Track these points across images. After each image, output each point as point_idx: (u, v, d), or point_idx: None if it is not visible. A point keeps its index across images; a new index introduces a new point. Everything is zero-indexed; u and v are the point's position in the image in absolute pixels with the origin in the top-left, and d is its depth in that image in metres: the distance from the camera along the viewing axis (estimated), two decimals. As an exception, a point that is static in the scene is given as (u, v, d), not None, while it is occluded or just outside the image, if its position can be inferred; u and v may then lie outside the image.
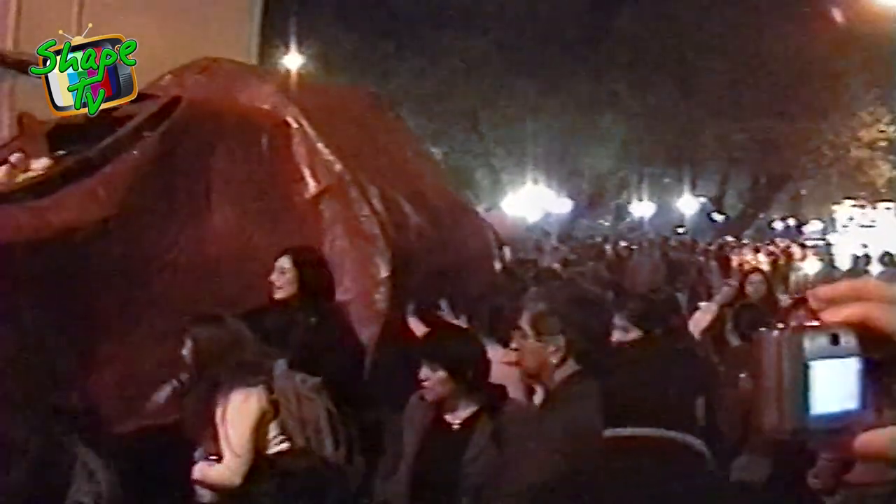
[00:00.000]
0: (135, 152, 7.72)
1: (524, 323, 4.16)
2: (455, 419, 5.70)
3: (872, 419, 1.35)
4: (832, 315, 1.36)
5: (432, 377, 5.60)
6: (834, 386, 1.33)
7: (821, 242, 39.99)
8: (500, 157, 47.34)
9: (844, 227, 39.61)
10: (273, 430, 6.24)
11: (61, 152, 8.25)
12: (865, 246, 33.12)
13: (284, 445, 6.25)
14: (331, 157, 8.60)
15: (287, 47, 34.37)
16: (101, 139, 7.74)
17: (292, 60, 34.93)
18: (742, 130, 42.84)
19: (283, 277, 7.48)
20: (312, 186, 8.59)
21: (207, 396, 6.10)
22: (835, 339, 1.34)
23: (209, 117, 8.13)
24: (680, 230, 48.76)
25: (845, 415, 1.34)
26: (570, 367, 4.04)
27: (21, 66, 8.37)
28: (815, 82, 40.48)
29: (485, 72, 43.66)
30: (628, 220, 53.90)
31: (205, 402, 6.09)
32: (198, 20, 19.93)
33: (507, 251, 13.75)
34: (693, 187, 51.15)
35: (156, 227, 7.60)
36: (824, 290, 1.38)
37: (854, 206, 40.24)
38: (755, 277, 12.24)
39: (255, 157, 8.48)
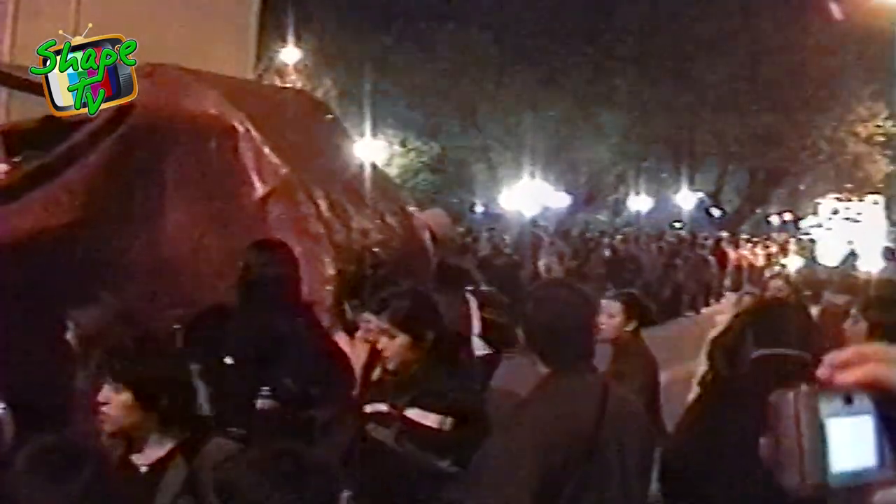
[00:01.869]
0: (93, 158, 8.01)
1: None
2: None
3: (891, 476, 1.40)
4: (843, 378, 1.42)
5: None
6: (851, 444, 1.38)
7: (804, 237, 39.70)
8: (498, 151, 47.32)
9: (829, 219, 39.28)
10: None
11: (17, 158, 8.44)
12: (851, 242, 32.87)
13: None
14: (276, 161, 8.75)
15: (285, 41, 34.40)
16: (58, 143, 8.03)
17: (290, 54, 34.95)
18: (740, 125, 42.89)
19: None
20: (260, 189, 8.73)
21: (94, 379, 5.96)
22: (848, 399, 1.40)
23: (162, 123, 8.33)
24: (677, 225, 48.76)
25: (864, 472, 1.39)
26: (540, 364, 4.10)
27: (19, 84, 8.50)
28: (812, 77, 40.57)
29: (483, 66, 43.67)
30: (626, 214, 53.86)
31: (92, 385, 5.97)
32: (196, 15, 19.95)
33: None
34: (691, 182, 51.13)
35: (114, 230, 7.91)
36: (831, 357, 1.44)
37: (839, 198, 40.04)
38: (777, 283, 11.97)
39: (205, 161, 8.68)
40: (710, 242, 35.52)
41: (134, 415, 4.56)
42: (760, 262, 35.93)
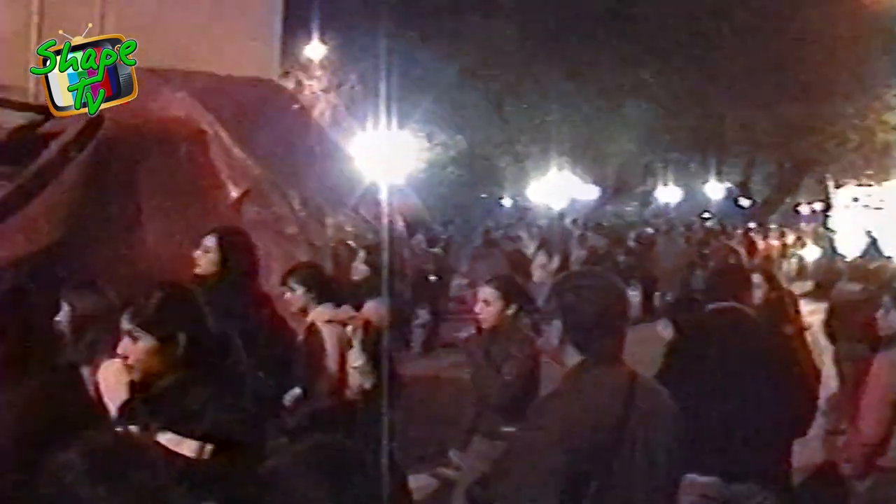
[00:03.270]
0: (68, 175, 8.08)
1: (543, 305, 4.16)
2: None
3: None
4: None
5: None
6: None
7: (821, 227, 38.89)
8: (525, 144, 47.28)
9: (846, 208, 38.49)
10: None
11: None
12: (870, 232, 32.13)
13: None
14: (248, 162, 8.89)
15: (310, 37, 34.41)
16: (29, 156, 8.15)
17: (315, 50, 34.97)
18: (767, 115, 42.63)
19: (205, 256, 7.65)
20: (233, 191, 8.87)
21: (83, 364, 5.97)
22: None
23: (132, 134, 8.35)
24: (706, 215, 48.58)
25: None
26: (571, 352, 4.03)
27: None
28: (839, 65, 40.23)
29: (508, 59, 43.58)
30: (654, 206, 53.74)
31: (79, 371, 5.96)
32: (219, 11, 19.96)
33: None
34: (719, 173, 50.98)
35: (94, 246, 7.87)
36: None
37: (859, 185, 39.23)
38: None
39: (177, 168, 8.77)
40: (739, 232, 35.36)
41: (154, 358, 4.69)
42: (775, 253, 35.43)
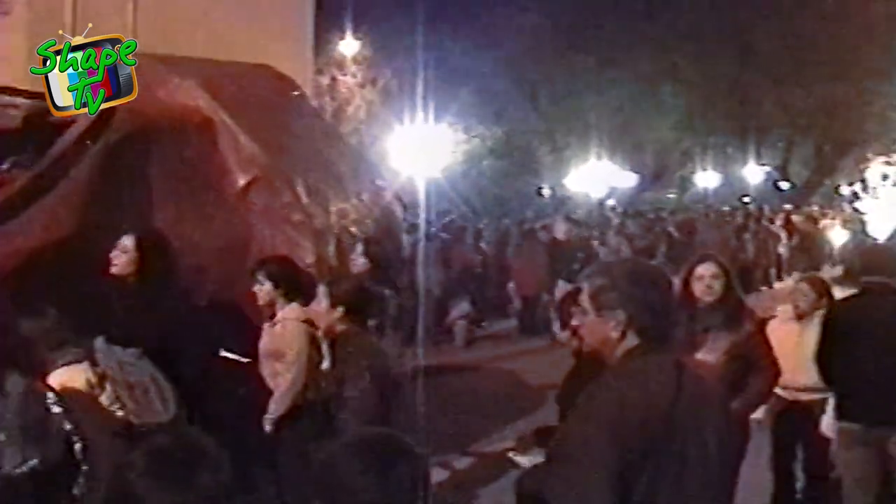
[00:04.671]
0: (84, 165, 8.19)
1: (584, 299, 4.13)
2: None
3: None
4: None
5: None
6: None
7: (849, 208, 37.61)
8: (562, 133, 47.23)
9: (875, 188, 37.07)
10: (105, 400, 6.42)
11: (4, 165, 8.64)
12: None
13: (121, 413, 6.44)
14: (255, 150, 8.93)
15: (343, 32, 34.45)
16: (41, 146, 8.26)
17: (349, 46, 35.00)
18: (805, 96, 42.41)
19: (123, 255, 7.72)
20: (241, 179, 8.91)
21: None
22: None
23: (143, 123, 8.45)
24: (746, 199, 48.32)
25: None
26: (631, 341, 4.02)
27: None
28: (877, 44, 39.91)
29: (543, 48, 43.51)
30: (693, 191, 53.51)
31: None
32: (253, 9, 20.04)
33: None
34: (757, 156, 50.72)
35: (108, 235, 7.94)
36: None
37: (888, 162, 37.98)
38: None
39: (187, 156, 8.84)
40: (780, 216, 35.05)
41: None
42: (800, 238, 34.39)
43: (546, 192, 50.02)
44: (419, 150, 29.60)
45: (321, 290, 7.54)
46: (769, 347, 7.49)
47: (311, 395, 7.74)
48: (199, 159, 8.86)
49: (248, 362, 8.09)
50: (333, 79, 35.24)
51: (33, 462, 5.18)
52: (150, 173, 8.61)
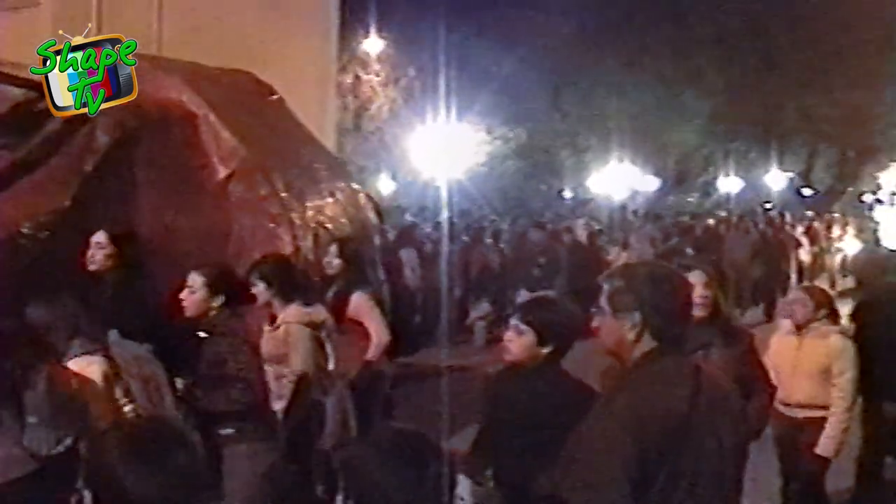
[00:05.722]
0: (72, 146, 8.47)
1: (602, 300, 4.13)
2: None
3: None
4: None
5: None
6: None
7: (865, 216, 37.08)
8: (584, 136, 47.23)
9: (893, 194, 36.56)
10: (118, 393, 6.33)
11: None
12: None
13: (130, 407, 6.33)
14: (235, 144, 9.24)
15: (367, 31, 34.50)
16: (31, 131, 8.41)
17: (373, 44, 35.06)
18: (828, 102, 42.31)
19: (99, 251, 7.77)
20: (221, 171, 9.20)
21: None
22: None
23: (133, 110, 8.57)
24: (768, 205, 48.22)
25: None
26: (647, 343, 4.02)
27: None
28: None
29: (566, 50, 43.51)
30: (715, 196, 53.41)
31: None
32: (276, 7, 20.05)
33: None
34: (780, 162, 50.60)
35: (94, 213, 8.21)
36: None
37: None
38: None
39: (170, 147, 9.09)
40: (803, 222, 34.91)
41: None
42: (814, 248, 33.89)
43: (567, 194, 50.03)
44: (441, 150, 29.64)
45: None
46: (763, 369, 7.18)
47: (318, 395, 7.70)
48: (180, 151, 9.14)
49: None
50: (357, 77, 35.33)
51: (68, 441, 5.29)
52: (134, 159, 8.84)
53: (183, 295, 7.07)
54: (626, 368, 4.07)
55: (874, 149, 46.26)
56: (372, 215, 10.96)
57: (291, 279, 7.89)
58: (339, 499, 3.33)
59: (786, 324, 8.39)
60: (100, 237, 7.78)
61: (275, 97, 11.18)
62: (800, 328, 8.16)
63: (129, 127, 8.66)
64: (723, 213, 38.23)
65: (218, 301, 7.04)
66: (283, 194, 9.26)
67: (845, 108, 42.15)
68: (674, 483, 3.77)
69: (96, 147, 8.55)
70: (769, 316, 21.55)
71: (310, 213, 9.52)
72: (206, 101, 9.32)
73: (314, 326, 7.76)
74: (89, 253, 7.77)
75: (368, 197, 11.21)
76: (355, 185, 10.97)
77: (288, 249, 8.87)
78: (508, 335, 5.47)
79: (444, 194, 27.28)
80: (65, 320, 6.23)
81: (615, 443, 3.75)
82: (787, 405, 8.00)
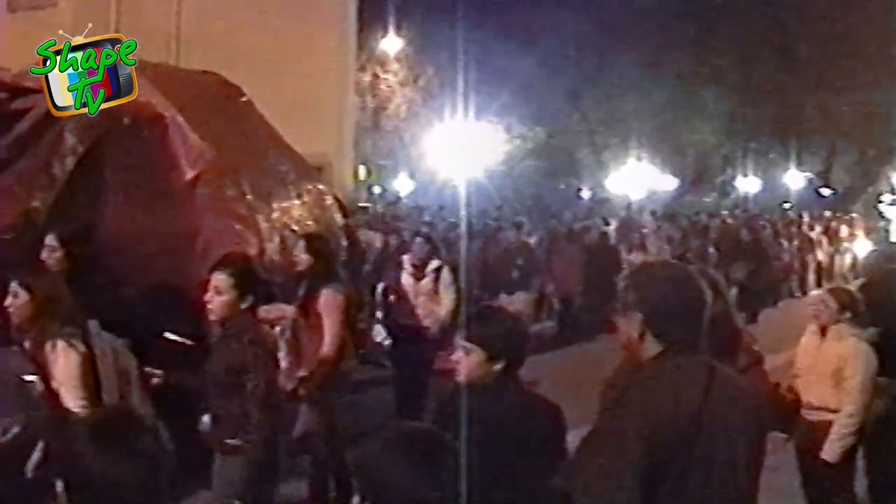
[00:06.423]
0: (39, 148, 8.60)
1: (619, 297, 4.15)
2: None
3: None
4: None
5: None
6: None
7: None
8: (603, 135, 47.19)
9: None
10: (91, 381, 6.34)
11: None
12: None
13: (103, 398, 6.36)
14: (203, 146, 9.32)
15: (385, 30, 34.51)
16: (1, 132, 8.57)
17: (391, 44, 35.06)
18: (848, 101, 42.15)
19: (52, 255, 7.86)
20: (188, 172, 9.28)
21: (36, 347, 6.20)
22: None
23: (103, 112, 8.63)
24: (786, 205, 48.05)
25: None
26: (651, 342, 4.02)
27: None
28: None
29: (585, 50, 43.49)
30: (733, 196, 53.24)
31: (33, 353, 6.19)
32: (297, 7, 20.10)
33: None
34: (799, 162, 50.41)
35: (64, 215, 8.38)
36: None
37: None
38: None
39: (138, 148, 9.18)
40: (821, 222, 34.72)
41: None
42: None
43: (586, 193, 49.97)
44: (460, 149, 29.62)
45: None
46: (769, 385, 6.89)
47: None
48: (149, 152, 9.21)
49: (192, 345, 8.11)
50: (375, 76, 35.36)
51: (15, 430, 5.33)
52: (104, 159, 8.92)
53: (208, 297, 6.51)
54: (637, 367, 4.08)
55: (894, 149, 46.03)
56: (338, 216, 10.99)
57: (253, 278, 7.01)
58: (356, 500, 3.32)
59: (812, 325, 8.23)
60: (50, 240, 7.90)
61: (244, 99, 11.22)
62: (824, 329, 8.05)
63: (98, 128, 8.75)
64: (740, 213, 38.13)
65: (247, 302, 6.54)
66: (250, 196, 9.42)
67: (865, 107, 41.99)
68: (684, 482, 3.79)
69: (65, 149, 8.65)
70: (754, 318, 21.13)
71: (276, 214, 9.65)
72: (174, 102, 9.41)
73: (269, 324, 7.69)
74: (43, 255, 7.87)
75: (335, 198, 11.24)
76: (321, 186, 11.00)
77: (254, 251, 8.90)
78: (456, 356, 5.05)
79: (462, 193, 27.23)
80: (58, 299, 6.35)
81: (625, 442, 3.76)
82: (805, 407, 7.90)
